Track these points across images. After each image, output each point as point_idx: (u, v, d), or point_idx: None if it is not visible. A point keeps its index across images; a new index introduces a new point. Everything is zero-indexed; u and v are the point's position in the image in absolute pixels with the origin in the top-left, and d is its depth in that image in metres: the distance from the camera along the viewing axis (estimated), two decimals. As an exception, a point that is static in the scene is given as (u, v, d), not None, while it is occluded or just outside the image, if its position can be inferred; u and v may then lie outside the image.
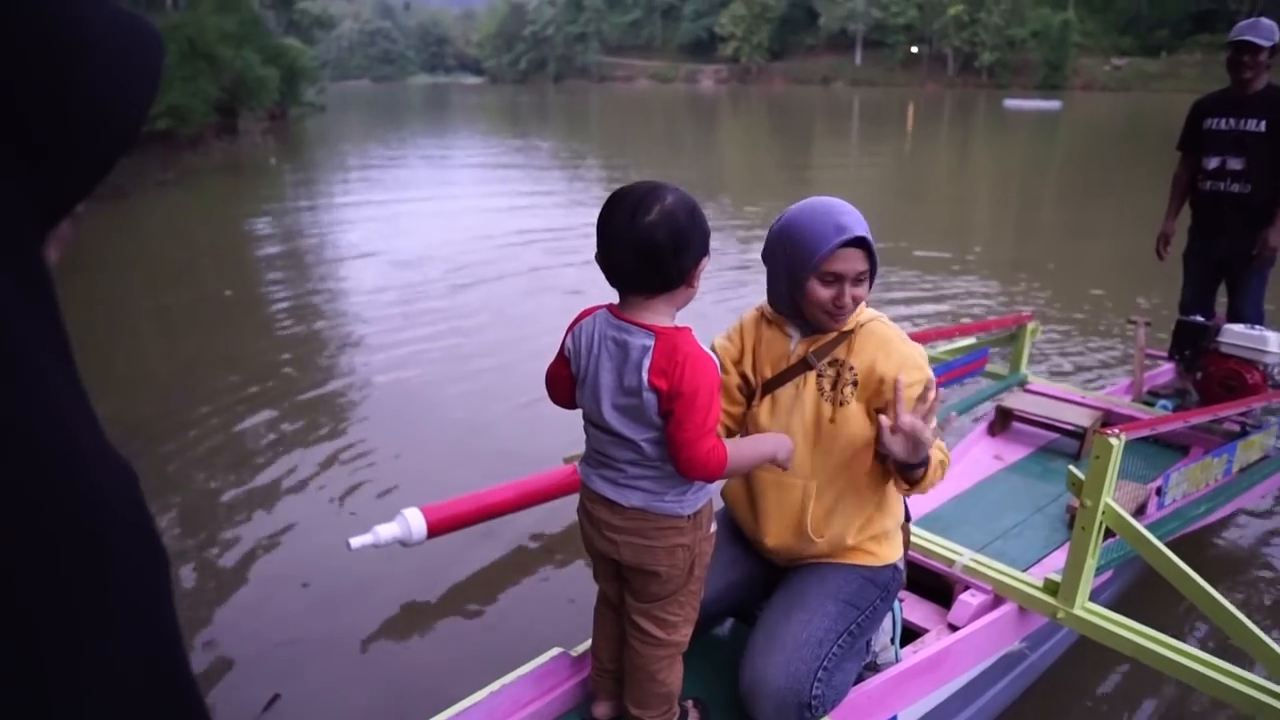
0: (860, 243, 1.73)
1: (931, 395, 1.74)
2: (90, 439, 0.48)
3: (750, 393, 1.94)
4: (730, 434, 1.94)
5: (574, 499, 3.35)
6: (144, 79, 0.49)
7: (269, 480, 3.92)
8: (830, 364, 1.85)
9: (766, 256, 1.87)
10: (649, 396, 1.50)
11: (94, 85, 0.46)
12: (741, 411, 1.94)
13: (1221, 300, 4.29)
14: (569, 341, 1.63)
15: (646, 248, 1.45)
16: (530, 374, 5.27)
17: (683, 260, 1.48)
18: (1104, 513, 2.08)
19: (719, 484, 1.83)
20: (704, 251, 1.52)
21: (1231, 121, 3.99)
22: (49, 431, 0.45)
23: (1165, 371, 4.35)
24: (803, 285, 1.77)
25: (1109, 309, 6.62)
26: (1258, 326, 3.65)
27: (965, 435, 3.65)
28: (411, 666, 2.75)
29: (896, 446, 1.71)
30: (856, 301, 1.79)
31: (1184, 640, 2.11)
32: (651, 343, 1.50)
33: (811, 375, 1.85)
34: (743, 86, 78.84)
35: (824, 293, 1.77)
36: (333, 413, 4.76)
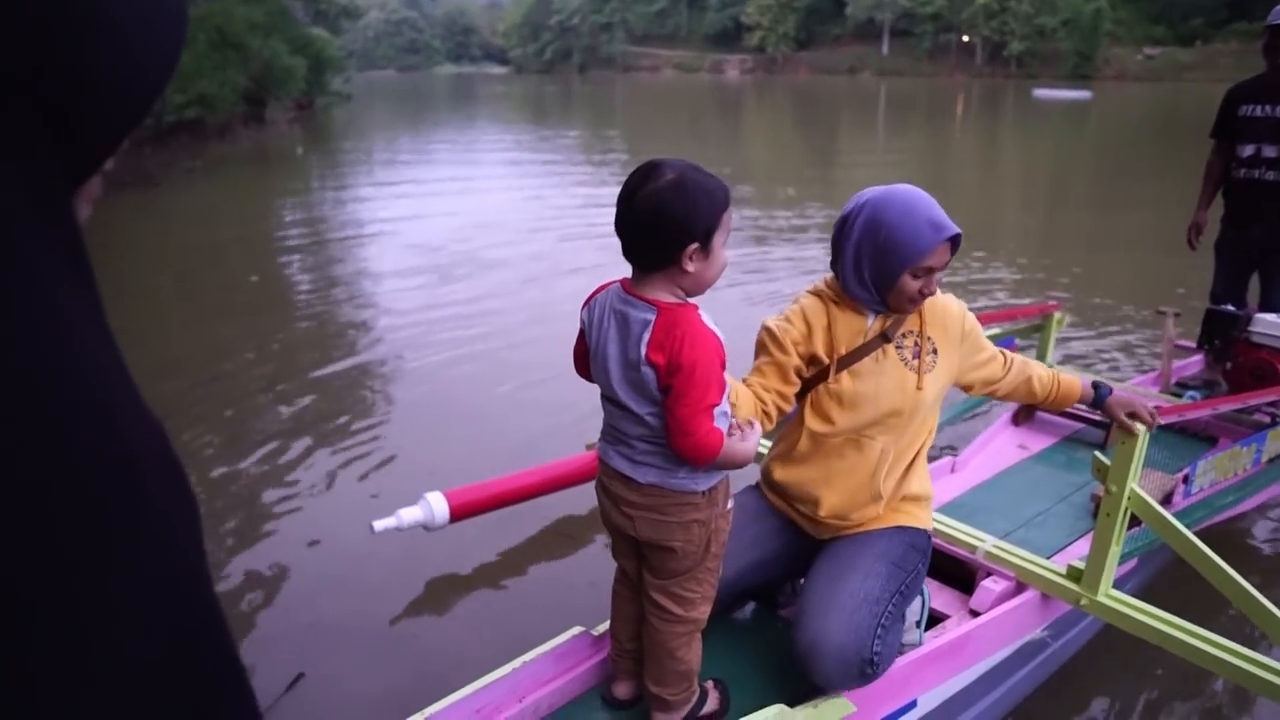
0: (952, 236, 1.83)
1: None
2: (123, 393, 0.48)
3: (819, 372, 1.97)
4: (781, 413, 1.96)
5: (590, 486, 3.41)
6: (167, 40, 0.49)
7: (291, 462, 3.96)
8: (905, 335, 1.96)
9: (840, 245, 1.92)
10: (647, 371, 1.51)
11: (116, 43, 0.45)
12: (795, 391, 1.98)
13: (1253, 290, 4.23)
14: (584, 315, 1.65)
15: (635, 223, 1.51)
16: (552, 359, 5.31)
17: (664, 237, 1.49)
18: (1129, 499, 2.06)
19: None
20: (692, 235, 1.48)
21: (1268, 108, 3.92)
22: (78, 381, 0.45)
23: (1194, 363, 4.30)
24: (894, 279, 1.85)
25: (1137, 300, 6.53)
26: (1290, 316, 3.60)
27: (990, 424, 3.63)
28: (434, 647, 2.78)
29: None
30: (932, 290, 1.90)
31: (1208, 629, 2.09)
32: (652, 317, 1.51)
33: (890, 346, 1.95)
34: (768, 76, 78.42)
35: (914, 285, 1.86)
36: (356, 397, 4.81)
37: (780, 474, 2.06)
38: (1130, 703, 2.54)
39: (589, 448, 3.47)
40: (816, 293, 2.02)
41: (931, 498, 2.10)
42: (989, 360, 2.08)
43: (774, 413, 1.94)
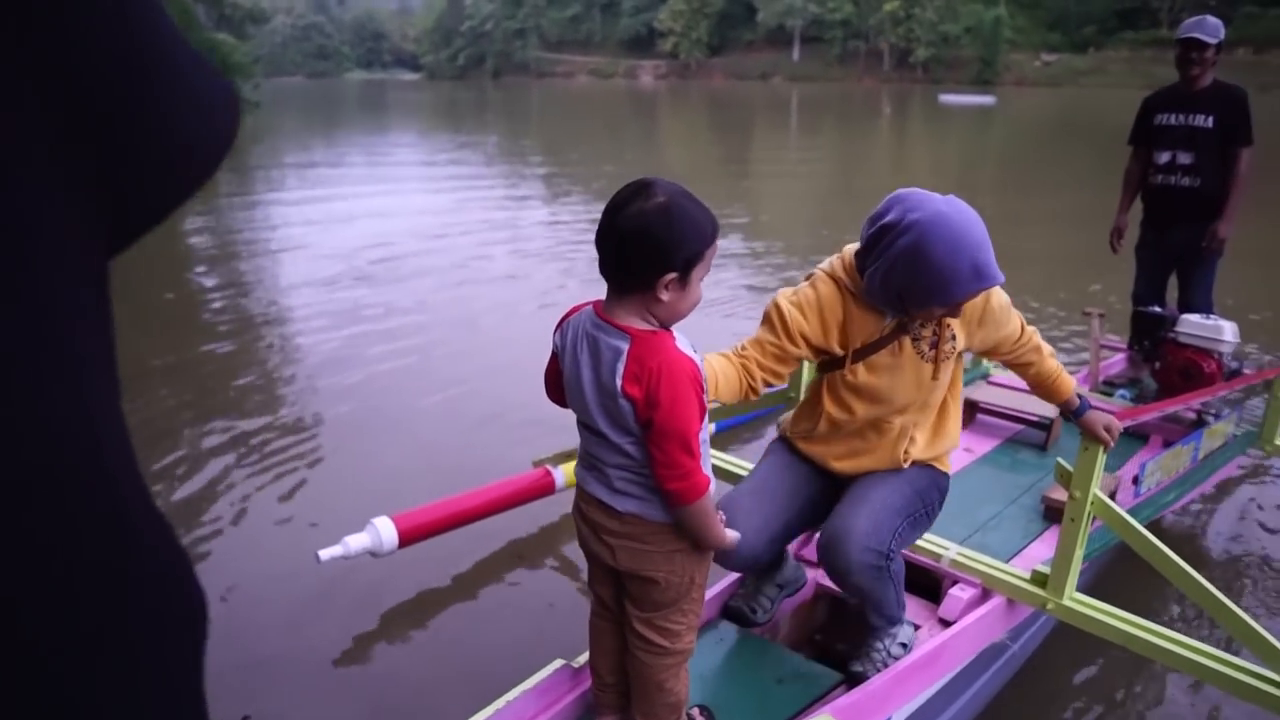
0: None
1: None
2: (133, 476, 0.47)
3: (833, 360, 2.01)
4: (768, 386, 2.00)
5: (544, 503, 3.35)
6: (222, 127, 0.50)
7: (218, 490, 3.78)
8: (923, 327, 1.98)
9: (872, 252, 1.84)
10: (624, 404, 1.46)
11: (176, 120, 0.46)
12: (790, 371, 2.00)
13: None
14: (557, 339, 1.60)
15: (616, 237, 1.44)
16: (476, 368, 5.23)
17: (644, 260, 1.43)
18: (1092, 503, 2.11)
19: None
20: (673, 265, 1.43)
21: (1181, 117, 4.09)
22: (109, 469, 0.44)
23: (1117, 361, 4.45)
24: (922, 308, 1.85)
25: (1057, 301, 6.74)
26: (1212, 316, 3.75)
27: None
28: (387, 681, 2.68)
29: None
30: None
31: (1159, 622, 2.15)
32: (625, 346, 1.46)
33: (907, 339, 1.98)
34: (682, 82, 79.09)
35: (941, 311, 1.88)
36: (281, 416, 4.61)
37: (803, 448, 2.16)
38: (1090, 698, 2.59)
39: (535, 465, 3.41)
40: (835, 279, 1.98)
41: (956, 445, 2.17)
42: (1012, 329, 2.10)
43: (760, 388, 1.98)
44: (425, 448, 4.19)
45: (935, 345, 1.99)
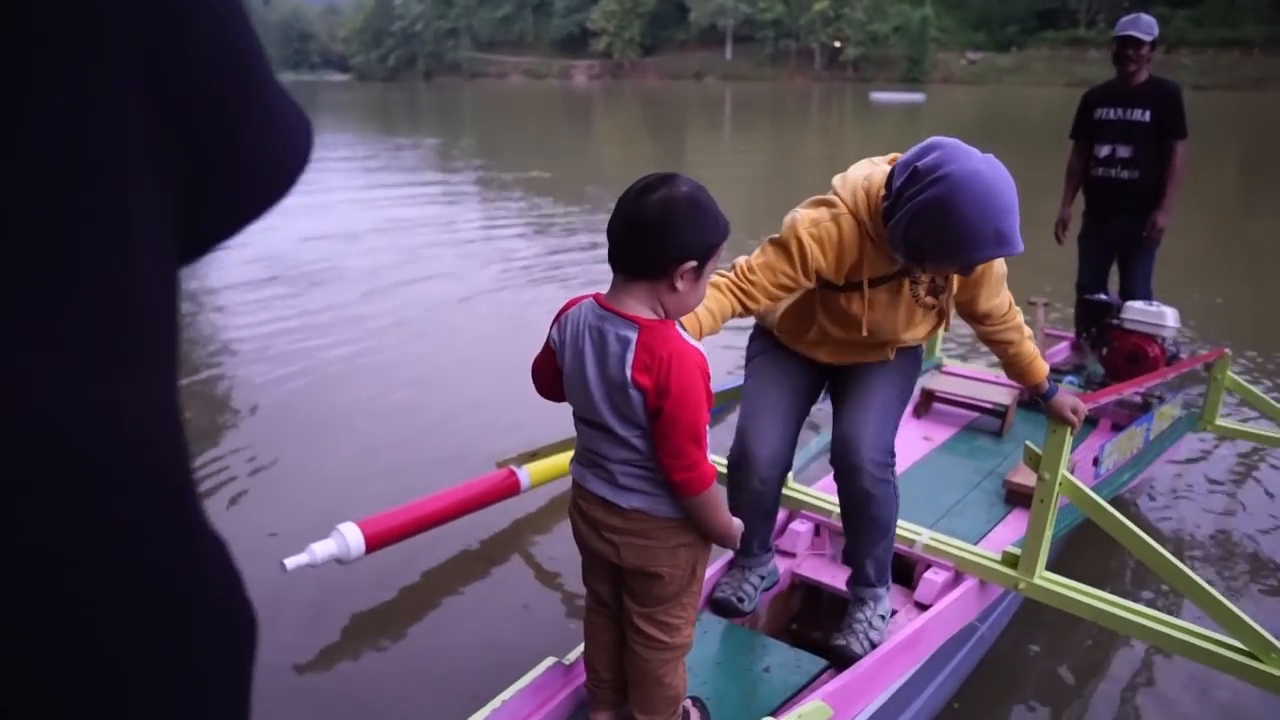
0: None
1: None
2: (195, 485, 0.47)
3: (831, 284, 2.07)
4: (756, 302, 2.01)
5: (510, 504, 3.34)
6: (299, 153, 0.52)
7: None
8: (924, 272, 2.06)
9: (900, 196, 1.82)
10: (634, 394, 1.45)
11: (261, 141, 0.48)
12: (790, 290, 2.04)
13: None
14: (554, 333, 1.58)
15: (638, 222, 1.45)
16: (410, 364, 5.18)
17: (667, 245, 1.44)
18: (1061, 484, 2.17)
19: None
20: (694, 254, 1.45)
21: (1119, 111, 4.23)
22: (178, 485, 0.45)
23: (1061, 349, 4.59)
24: (937, 262, 1.88)
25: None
26: (1154, 303, 3.89)
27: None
28: (361, 690, 2.62)
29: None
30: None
31: (1128, 597, 2.23)
32: (634, 335, 1.45)
33: (908, 281, 2.07)
34: (616, 82, 79.14)
35: (949, 270, 1.94)
36: (225, 428, 4.47)
37: (790, 344, 2.28)
38: (1055, 676, 2.67)
39: (500, 466, 3.39)
40: (858, 220, 1.96)
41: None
42: (1000, 301, 2.16)
43: (753, 310, 2.03)
44: (376, 451, 4.12)
45: (933, 293, 2.09)
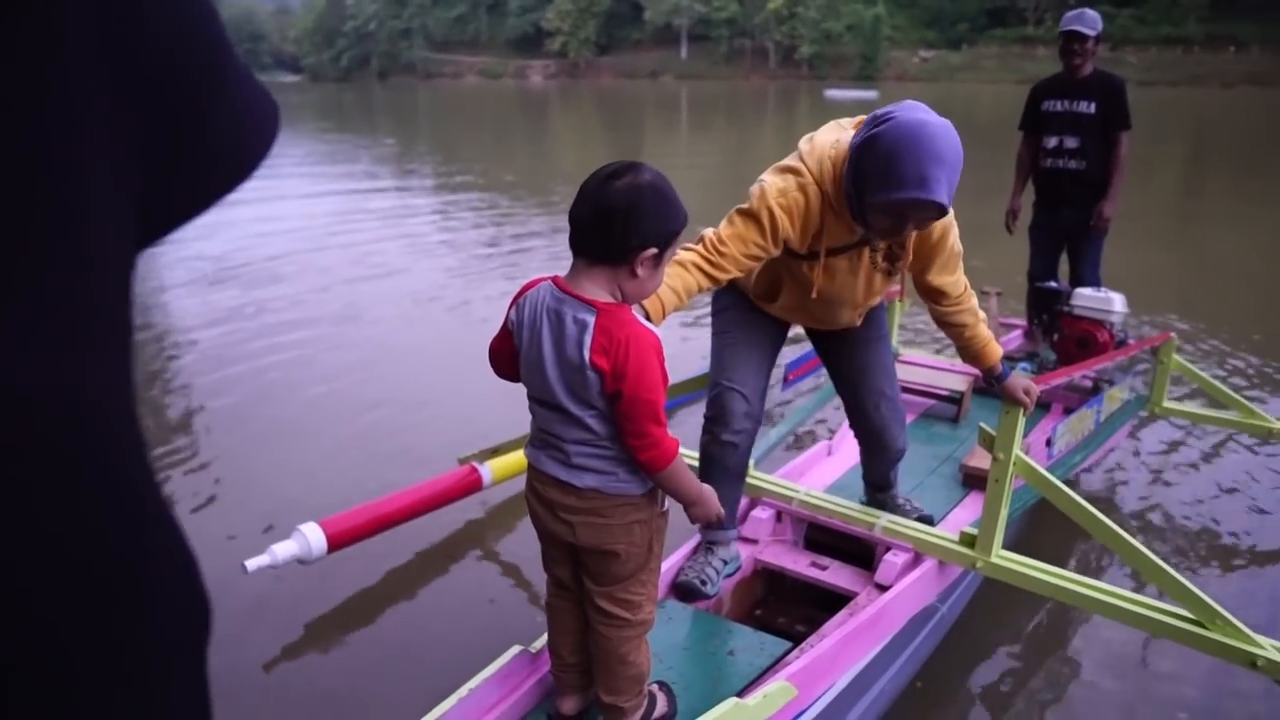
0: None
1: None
2: (150, 469, 0.47)
3: (795, 253, 2.15)
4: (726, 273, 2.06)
5: (472, 500, 3.33)
6: (262, 137, 0.51)
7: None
8: (882, 241, 2.12)
9: (854, 146, 1.93)
10: (592, 375, 1.47)
11: (225, 124, 0.48)
12: (760, 260, 2.10)
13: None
14: (512, 314, 1.60)
15: (603, 208, 1.47)
16: (386, 372, 5.14)
17: (630, 231, 1.46)
18: (1015, 464, 2.22)
19: None
20: (655, 241, 1.49)
21: (1066, 104, 4.32)
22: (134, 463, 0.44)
23: (1015, 338, 4.68)
24: (871, 199, 1.89)
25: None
26: (1102, 289, 3.98)
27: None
28: (327, 687, 2.61)
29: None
30: (913, 234, 2.01)
31: (1079, 573, 2.28)
32: (591, 319, 1.47)
33: (868, 250, 2.15)
34: (572, 81, 78.91)
35: (883, 221, 1.93)
36: (180, 432, 4.40)
37: (761, 306, 2.38)
38: (1014, 654, 2.73)
39: (461, 462, 3.38)
40: (822, 190, 2.02)
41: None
42: (954, 281, 2.23)
43: (724, 282, 2.08)
44: (334, 449, 4.09)
45: (890, 260, 2.16)
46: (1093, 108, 4.25)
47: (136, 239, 0.45)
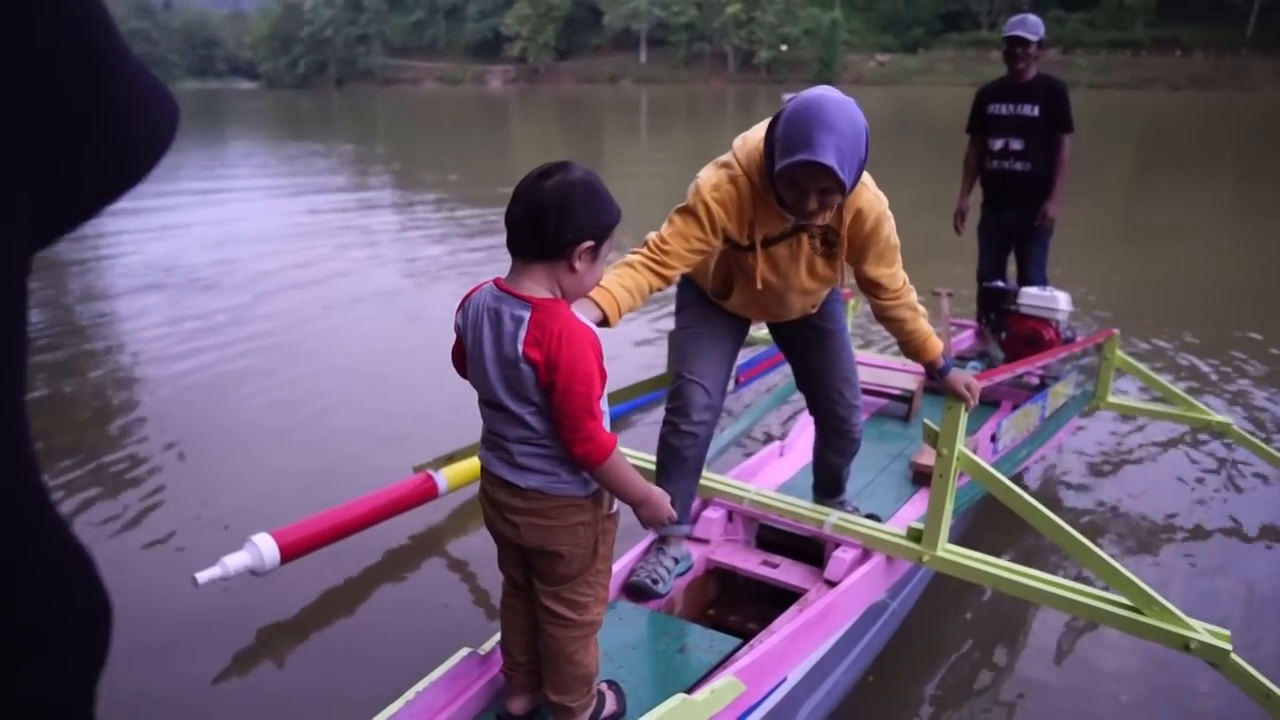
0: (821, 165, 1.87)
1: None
2: (37, 472, 0.48)
3: (738, 246, 2.22)
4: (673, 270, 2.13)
5: (428, 508, 3.32)
6: (158, 134, 0.51)
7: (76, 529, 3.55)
8: (821, 228, 2.17)
9: (767, 130, 2.03)
10: (525, 369, 1.50)
11: (113, 124, 0.47)
12: (703, 253, 2.17)
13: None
14: (459, 318, 1.62)
15: (537, 206, 1.50)
16: (339, 379, 5.11)
17: (565, 226, 1.49)
18: (959, 459, 2.26)
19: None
20: (591, 234, 1.52)
21: (1011, 107, 4.41)
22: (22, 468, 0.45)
23: (966, 338, 4.76)
24: (775, 167, 1.95)
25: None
26: (1048, 288, 4.07)
27: (803, 410, 3.84)
28: (275, 694, 2.59)
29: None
30: (826, 208, 2.00)
31: (1024, 565, 2.34)
32: (527, 313, 1.50)
33: (805, 237, 2.19)
34: (532, 86, 78.71)
35: (789, 194, 1.99)
36: (123, 439, 4.31)
37: (721, 304, 2.43)
38: (962, 647, 2.78)
39: (416, 470, 3.37)
40: (750, 179, 2.10)
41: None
42: (892, 274, 2.28)
43: (674, 280, 2.15)
44: (280, 458, 4.05)
45: (827, 244, 2.21)
46: (1036, 110, 4.34)
47: (32, 238, 0.44)
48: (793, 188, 1.96)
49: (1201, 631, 2.03)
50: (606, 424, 1.59)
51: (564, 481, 1.59)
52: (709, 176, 2.14)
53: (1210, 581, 3.12)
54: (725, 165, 2.15)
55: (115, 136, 0.48)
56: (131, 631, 2.84)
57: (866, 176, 2.14)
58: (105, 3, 0.47)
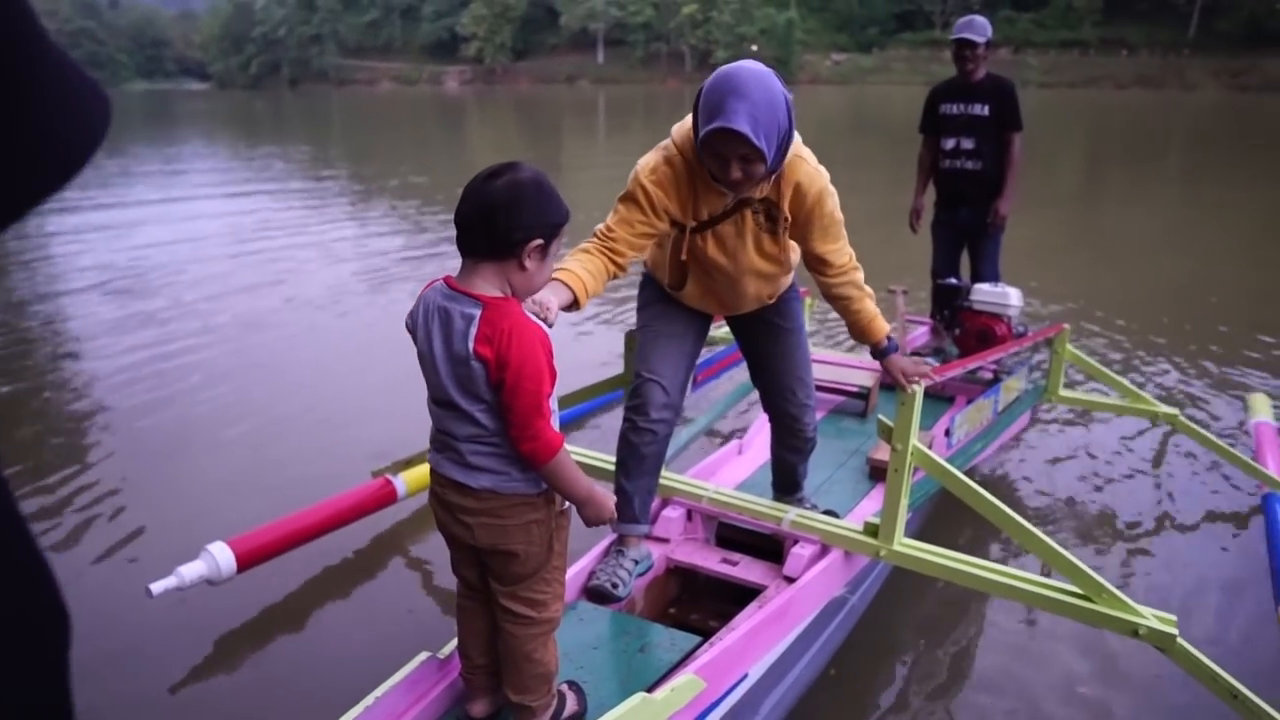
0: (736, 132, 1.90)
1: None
2: None
3: (685, 228, 2.24)
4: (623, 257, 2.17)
5: (382, 514, 3.30)
6: (89, 129, 0.51)
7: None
8: (762, 202, 2.19)
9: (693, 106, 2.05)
10: (476, 365, 1.51)
11: (42, 118, 0.47)
12: (650, 236, 2.20)
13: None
14: (409, 320, 1.63)
15: (485, 204, 1.52)
16: (293, 383, 5.06)
17: (514, 225, 1.51)
18: (913, 454, 2.30)
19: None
20: (540, 233, 1.54)
21: (962, 106, 4.48)
22: None
23: (921, 334, 4.83)
24: (697, 135, 1.99)
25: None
26: (1000, 284, 4.14)
27: (760, 408, 3.87)
28: (232, 703, 2.55)
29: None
30: (752, 178, 2.03)
31: (979, 558, 2.38)
32: (477, 311, 1.51)
33: (748, 213, 2.20)
34: (489, 87, 78.22)
35: (712, 164, 2.02)
36: (73, 450, 4.22)
37: (679, 298, 2.43)
38: (921, 639, 2.82)
39: (375, 475, 3.35)
40: (684, 157, 2.14)
41: (798, 260, 2.41)
42: (837, 250, 2.28)
43: (627, 266, 2.19)
44: (235, 465, 3.99)
45: (770, 219, 2.22)
46: (987, 110, 4.41)
47: None
48: (715, 157, 2.01)
49: (1149, 617, 2.08)
50: (555, 423, 1.60)
51: (516, 480, 1.60)
52: (646, 160, 2.19)
53: (1158, 568, 3.20)
54: (663, 148, 2.19)
55: (44, 130, 0.47)
56: (85, 645, 2.77)
57: (806, 152, 2.19)
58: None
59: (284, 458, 4.05)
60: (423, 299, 1.61)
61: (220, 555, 2.73)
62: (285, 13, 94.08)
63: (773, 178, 2.14)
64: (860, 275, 2.38)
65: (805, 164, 2.17)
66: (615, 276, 2.17)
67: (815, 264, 2.33)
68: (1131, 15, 65.04)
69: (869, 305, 2.39)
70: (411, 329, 1.63)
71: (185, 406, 4.68)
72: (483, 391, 1.53)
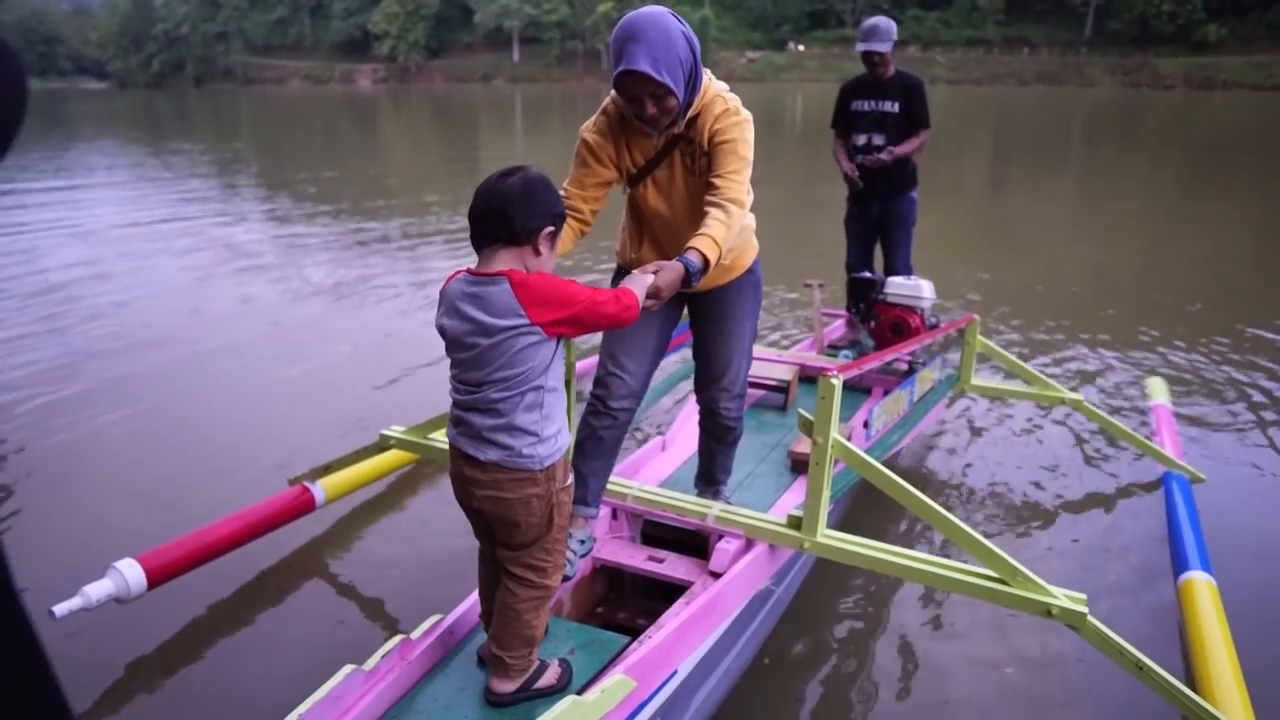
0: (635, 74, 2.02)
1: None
2: None
3: (624, 175, 2.35)
4: (594, 215, 2.36)
5: (301, 523, 3.21)
6: (7, 108, 0.49)
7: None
8: (686, 141, 2.27)
9: None
10: (528, 326, 1.68)
11: None
12: (601, 186, 2.34)
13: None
14: (438, 320, 1.79)
15: (500, 196, 1.72)
16: (199, 392, 4.90)
17: (528, 212, 1.71)
18: (833, 446, 2.33)
19: (569, 441, 2.02)
20: (550, 221, 1.75)
21: (873, 103, 4.57)
22: None
23: (837, 327, 4.92)
24: (615, 83, 2.09)
25: (776, 277, 7.26)
26: (913, 277, 4.24)
27: (689, 402, 3.89)
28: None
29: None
30: (668, 113, 2.12)
31: (903, 546, 2.43)
32: (507, 284, 1.68)
33: (677, 154, 2.29)
34: (403, 85, 77.03)
35: (631, 107, 2.14)
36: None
37: (635, 258, 2.49)
38: (845, 628, 2.87)
39: (292, 483, 3.27)
40: (616, 103, 2.26)
41: (753, 225, 2.50)
42: (726, 179, 2.19)
43: (591, 221, 2.34)
44: (141, 478, 3.85)
45: (694, 157, 2.28)
46: (896, 107, 4.51)
47: None
48: (630, 100, 2.12)
49: (1061, 598, 2.16)
50: (561, 414, 1.82)
51: (520, 456, 1.74)
52: (588, 121, 2.34)
53: (1068, 549, 3.32)
54: (602, 104, 2.34)
55: None
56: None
57: (729, 94, 2.27)
58: None
59: (193, 468, 3.91)
60: (447, 293, 1.76)
61: (129, 572, 2.63)
62: (188, 9, 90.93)
63: (692, 116, 2.23)
64: (739, 213, 2.19)
65: (721, 98, 2.26)
66: (583, 234, 2.35)
67: (706, 191, 2.22)
68: (1031, 15, 67.44)
69: (717, 228, 2.13)
70: (441, 327, 1.77)
71: (85, 421, 4.48)
72: (526, 354, 1.69)
